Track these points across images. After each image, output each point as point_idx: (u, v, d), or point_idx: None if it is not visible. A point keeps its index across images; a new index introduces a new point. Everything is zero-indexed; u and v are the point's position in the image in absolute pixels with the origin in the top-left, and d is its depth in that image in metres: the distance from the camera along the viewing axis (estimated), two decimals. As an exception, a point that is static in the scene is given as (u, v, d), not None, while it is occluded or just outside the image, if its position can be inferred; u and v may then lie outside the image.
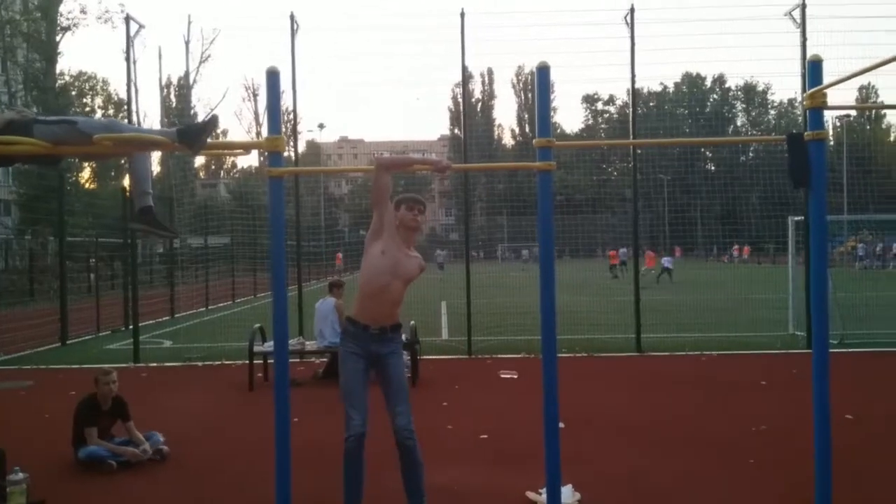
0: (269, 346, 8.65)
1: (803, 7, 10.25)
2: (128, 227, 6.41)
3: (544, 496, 4.20)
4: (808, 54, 10.30)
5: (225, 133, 55.56)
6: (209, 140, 3.82)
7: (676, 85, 72.93)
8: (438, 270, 29.48)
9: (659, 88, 71.61)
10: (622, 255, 30.20)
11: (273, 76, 3.98)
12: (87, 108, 39.83)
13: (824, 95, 4.10)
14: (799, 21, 10.32)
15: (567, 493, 4.26)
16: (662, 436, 5.95)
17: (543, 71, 4.22)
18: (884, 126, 63.65)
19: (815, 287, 4.24)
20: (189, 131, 3.63)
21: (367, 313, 4.07)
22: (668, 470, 5.04)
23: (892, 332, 11.72)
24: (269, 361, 8.83)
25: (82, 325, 13.89)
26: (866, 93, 72.57)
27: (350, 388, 4.07)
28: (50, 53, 31.55)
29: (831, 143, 58.97)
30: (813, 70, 4.10)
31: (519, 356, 10.05)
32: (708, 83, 73.69)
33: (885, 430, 6.06)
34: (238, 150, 4.91)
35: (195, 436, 6.16)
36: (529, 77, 73.25)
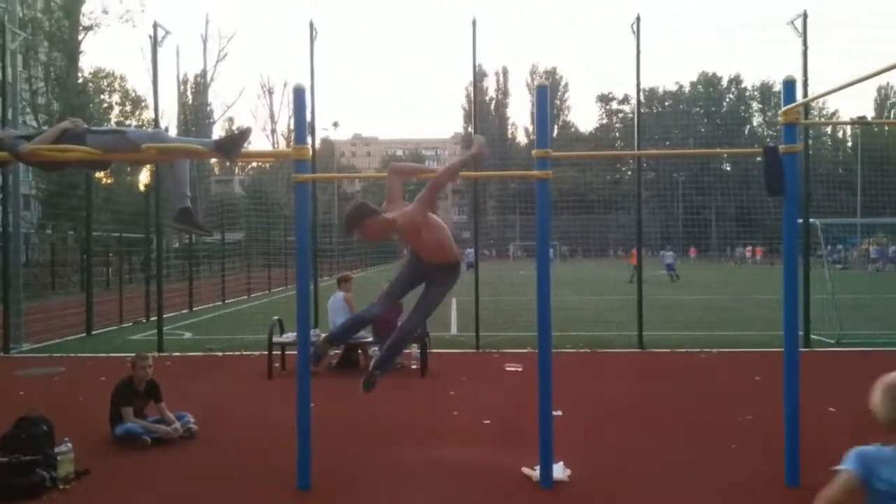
0: (287, 337, 9.14)
1: (805, 17, 10.57)
2: (168, 227, 6.90)
3: (538, 471, 4.64)
4: (810, 63, 10.71)
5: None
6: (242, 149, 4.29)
7: (692, 84, 72.79)
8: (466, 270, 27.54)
9: (675, 88, 71.57)
10: (668, 258, 28.01)
11: (299, 93, 4.45)
12: (105, 105, 40.54)
13: (798, 112, 4.52)
14: (801, 31, 10.65)
15: (558, 469, 4.71)
16: (653, 424, 6.37)
17: (543, 89, 4.67)
18: (902, 128, 63.10)
19: (786, 289, 4.63)
20: (226, 142, 4.10)
21: None
22: (654, 452, 5.47)
23: (891, 331, 12.02)
24: (286, 352, 9.32)
25: (104, 316, 14.47)
26: (885, 93, 72.29)
27: None
28: (72, 52, 32.24)
29: (849, 144, 58.73)
30: (787, 89, 4.51)
31: (525, 351, 10.47)
32: (724, 83, 73.46)
33: (862, 422, 6.42)
34: (269, 158, 5.38)
35: (220, 417, 6.65)
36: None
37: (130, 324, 14.77)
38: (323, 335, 9.23)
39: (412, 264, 4.54)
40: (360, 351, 9.42)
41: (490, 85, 76.17)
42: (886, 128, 61.29)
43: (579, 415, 6.52)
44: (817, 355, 10.17)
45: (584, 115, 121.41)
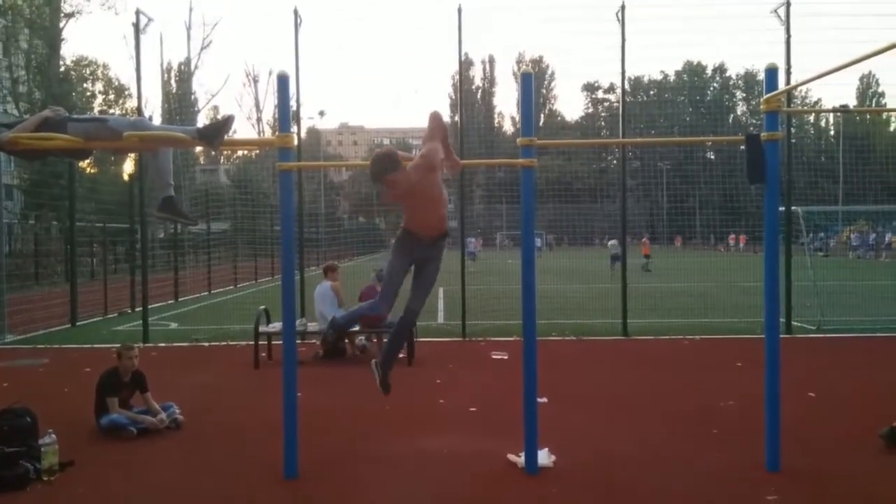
0: (273, 326, 9.13)
1: (788, 6, 10.64)
2: (152, 216, 6.88)
3: (523, 457, 4.69)
4: (795, 51, 10.78)
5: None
6: (225, 136, 4.27)
7: (677, 73, 72.95)
8: (470, 262, 26.93)
9: (660, 77, 71.71)
10: (614, 248, 27.78)
11: (283, 80, 4.42)
12: (88, 94, 40.02)
13: (780, 100, 4.55)
14: (784, 19, 10.71)
15: (543, 455, 4.75)
16: (636, 409, 6.44)
17: (528, 76, 4.67)
18: (884, 117, 63.65)
19: (767, 276, 4.69)
20: (208, 130, 4.07)
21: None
22: (637, 438, 5.54)
23: (871, 318, 12.20)
24: (272, 342, 9.31)
25: (89, 307, 14.36)
26: (867, 81, 72.84)
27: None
28: (53, 40, 31.75)
29: (831, 132, 59.22)
30: (769, 77, 4.54)
31: (511, 339, 10.52)
32: (709, 72, 73.70)
33: (840, 406, 6.56)
34: (253, 146, 5.35)
35: (206, 407, 6.64)
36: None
37: (115, 314, 14.67)
38: (310, 324, 9.32)
39: (403, 250, 4.47)
40: (346, 340, 9.43)
41: (476, 74, 75.91)
42: (868, 116, 61.82)
43: (564, 402, 6.58)
44: (798, 341, 10.32)
45: (570, 104, 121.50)
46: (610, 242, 27.18)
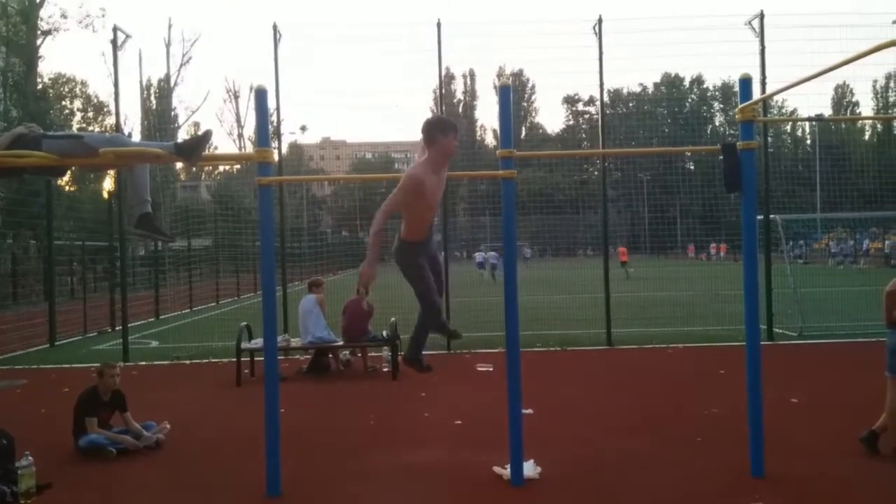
0: (255, 343, 9.04)
1: (762, 17, 10.83)
2: (129, 233, 6.82)
3: (509, 470, 4.67)
4: (773, 63, 10.96)
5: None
6: (204, 152, 4.24)
7: (656, 85, 73.83)
8: (484, 275, 26.22)
9: (638, 89, 72.54)
10: (492, 258, 26.94)
11: (261, 94, 4.41)
12: (66, 111, 39.66)
13: (754, 110, 4.62)
14: (758, 31, 10.90)
15: (529, 467, 4.74)
16: (621, 419, 6.45)
17: (505, 89, 4.71)
18: (858, 125, 64.76)
19: (746, 283, 4.73)
20: (186, 145, 4.05)
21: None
22: (623, 447, 5.54)
23: (850, 324, 12.33)
24: (255, 358, 9.21)
25: (68, 326, 14.15)
26: (842, 91, 74.16)
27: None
28: (30, 57, 31.49)
29: (808, 141, 60.18)
30: (743, 87, 4.61)
31: (496, 350, 10.50)
32: (687, 84, 74.70)
33: (822, 411, 6.61)
34: (231, 161, 5.32)
35: (187, 427, 6.54)
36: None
37: (95, 333, 14.46)
38: (292, 340, 9.25)
39: (417, 260, 4.62)
40: (330, 355, 9.37)
41: (458, 88, 76.31)
42: (843, 125, 62.79)
43: (550, 413, 6.57)
44: (780, 348, 10.40)
45: (551, 117, 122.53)
46: (476, 253, 28.49)
